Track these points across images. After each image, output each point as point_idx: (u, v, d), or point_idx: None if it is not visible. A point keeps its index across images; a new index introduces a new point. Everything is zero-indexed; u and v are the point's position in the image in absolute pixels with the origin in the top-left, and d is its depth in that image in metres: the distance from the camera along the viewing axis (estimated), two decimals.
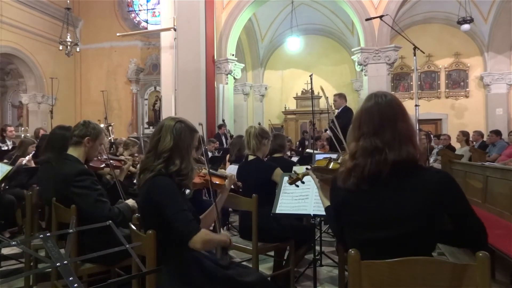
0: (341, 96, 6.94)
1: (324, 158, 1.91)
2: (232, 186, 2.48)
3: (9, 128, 7.20)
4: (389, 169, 1.35)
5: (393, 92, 11.52)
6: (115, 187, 2.92)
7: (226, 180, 2.35)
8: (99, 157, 2.93)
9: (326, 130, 6.93)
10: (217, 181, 2.33)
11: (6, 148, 6.58)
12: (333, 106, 6.60)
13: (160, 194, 1.76)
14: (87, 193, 2.32)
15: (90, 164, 2.67)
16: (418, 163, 1.40)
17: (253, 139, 3.10)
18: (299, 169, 3.56)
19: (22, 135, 7.04)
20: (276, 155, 3.64)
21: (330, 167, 1.81)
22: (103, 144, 2.72)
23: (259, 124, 10.48)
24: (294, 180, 2.12)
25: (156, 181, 1.79)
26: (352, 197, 1.42)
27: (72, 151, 2.49)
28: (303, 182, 2.10)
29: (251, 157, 3.13)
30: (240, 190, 2.74)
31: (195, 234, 1.69)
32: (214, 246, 1.84)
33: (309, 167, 2.05)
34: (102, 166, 2.96)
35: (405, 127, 1.40)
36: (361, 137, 1.43)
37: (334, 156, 1.98)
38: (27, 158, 4.59)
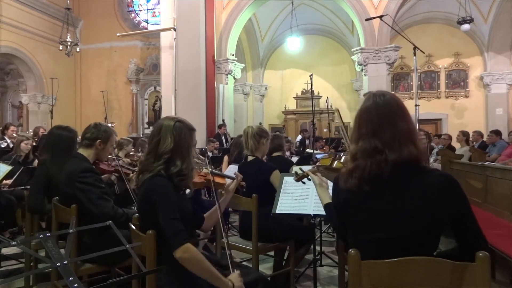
0: None
1: (328, 156, 1.92)
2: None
3: (11, 127, 7.20)
4: (390, 169, 1.34)
5: (393, 92, 11.51)
6: (126, 194, 2.92)
7: (234, 181, 2.30)
8: (108, 162, 2.94)
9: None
10: (218, 180, 2.31)
11: (3, 146, 6.58)
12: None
13: (157, 195, 1.75)
14: (90, 189, 2.34)
15: (100, 166, 2.68)
16: (420, 163, 1.38)
17: (251, 139, 3.08)
18: (297, 169, 3.57)
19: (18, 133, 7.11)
20: (275, 154, 3.64)
21: (334, 165, 1.82)
22: (113, 146, 2.74)
23: (260, 124, 10.49)
24: (301, 177, 2.10)
25: (154, 181, 1.78)
26: (353, 198, 1.41)
27: (82, 151, 2.53)
28: (309, 179, 2.08)
29: (250, 158, 3.12)
30: (244, 189, 2.71)
31: (180, 246, 1.63)
32: (202, 272, 1.66)
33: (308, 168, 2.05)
34: (111, 170, 2.96)
35: (405, 126, 1.38)
36: (360, 138, 1.42)
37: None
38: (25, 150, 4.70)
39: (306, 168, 2.15)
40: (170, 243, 1.66)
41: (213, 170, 2.26)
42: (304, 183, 2.13)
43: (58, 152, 2.84)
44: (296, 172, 2.13)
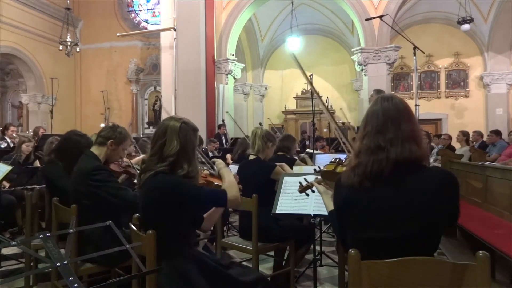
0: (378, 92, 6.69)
1: (332, 161, 1.89)
2: None
3: (11, 128, 7.21)
4: (391, 167, 1.36)
5: (393, 92, 11.56)
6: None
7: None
8: (120, 163, 2.94)
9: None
10: (217, 181, 2.32)
11: (2, 146, 6.59)
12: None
13: (169, 188, 1.75)
14: (107, 184, 2.37)
15: (109, 166, 2.68)
16: (421, 163, 1.40)
17: (258, 140, 3.12)
18: (299, 169, 3.58)
19: (18, 134, 7.14)
20: (280, 153, 3.68)
21: (337, 170, 1.80)
22: (126, 149, 2.74)
23: (260, 124, 10.50)
24: (305, 188, 2.07)
25: (158, 178, 1.78)
26: (354, 195, 1.42)
27: (94, 149, 2.55)
28: (313, 191, 2.05)
29: (252, 157, 3.14)
30: (240, 193, 2.71)
31: (228, 196, 1.87)
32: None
33: (315, 171, 2.03)
34: (120, 171, 2.96)
35: (409, 127, 1.41)
36: (365, 136, 1.45)
37: (342, 156, 1.96)
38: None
39: (311, 178, 2.09)
40: (220, 199, 1.88)
41: (212, 172, 2.26)
42: (308, 195, 2.10)
43: (75, 158, 2.80)
44: (300, 183, 2.09)
